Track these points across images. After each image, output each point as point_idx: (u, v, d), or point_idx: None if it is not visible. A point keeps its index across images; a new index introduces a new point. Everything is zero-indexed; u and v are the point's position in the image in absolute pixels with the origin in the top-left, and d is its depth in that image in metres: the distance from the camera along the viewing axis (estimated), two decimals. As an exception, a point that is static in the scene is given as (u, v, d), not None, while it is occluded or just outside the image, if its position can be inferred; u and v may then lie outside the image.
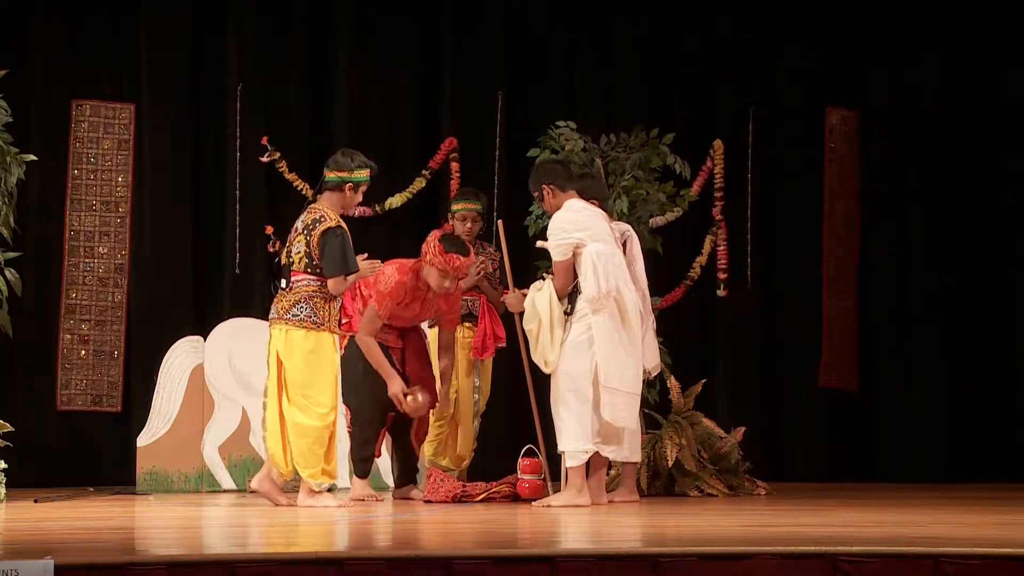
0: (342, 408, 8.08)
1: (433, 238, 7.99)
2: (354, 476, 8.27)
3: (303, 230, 7.66)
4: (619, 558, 5.17)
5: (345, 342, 8.13)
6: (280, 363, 7.61)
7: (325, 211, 7.67)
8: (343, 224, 7.66)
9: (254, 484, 7.83)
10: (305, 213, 7.74)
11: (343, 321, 7.75)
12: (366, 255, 7.92)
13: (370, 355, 8.02)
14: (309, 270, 7.62)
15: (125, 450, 9.54)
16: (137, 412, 9.62)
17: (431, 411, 8.37)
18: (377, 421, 8.16)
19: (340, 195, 7.75)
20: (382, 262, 8.02)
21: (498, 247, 8.52)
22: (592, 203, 8.00)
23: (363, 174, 7.76)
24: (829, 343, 10.62)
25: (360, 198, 7.83)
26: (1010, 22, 10.64)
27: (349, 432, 8.24)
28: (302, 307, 7.60)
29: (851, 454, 10.59)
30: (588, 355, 7.65)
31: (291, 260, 7.67)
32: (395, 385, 7.96)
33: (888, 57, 10.76)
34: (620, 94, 10.44)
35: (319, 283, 7.61)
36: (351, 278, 7.65)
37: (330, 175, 7.74)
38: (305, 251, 7.61)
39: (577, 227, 7.71)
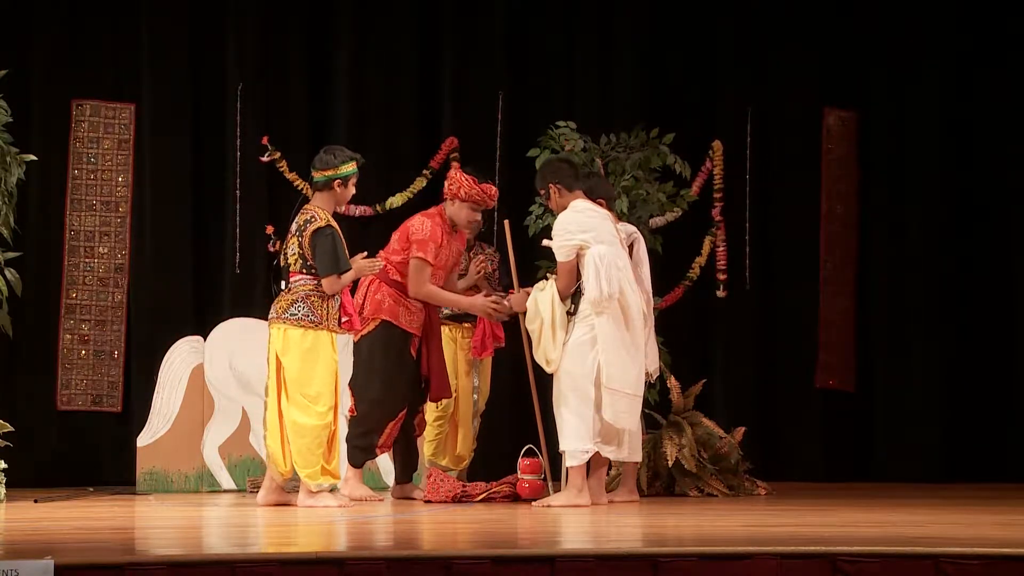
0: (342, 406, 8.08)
1: (459, 173, 8.11)
2: (349, 467, 8.23)
3: (296, 231, 7.69)
4: (619, 558, 5.17)
5: (368, 328, 8.12)
6: (279, 362, 7.63)
7: (316, 211, 7.70)
8: (333, 223, 7.69)
9: (260, 501, 7.81)
10: (299, 214, 7.77)
11: (343, 320, 7.75)
12: (365, 253, 7.94)
13: (439, 299, 8.15)
14: (304, 270, 7.65)
15: (125, 450, 9.54)
16: (137, 412, 9.62)
17: (431, 406, 8.44)
18: (390, 413, 8.13)
19: (331, 193, 7.78)
20: (383, 262, 8.05)
21: (501, 246, 8.52)
22: (599, 203, 8.01)
23: (349, 167, 7.79)
24: (827, 343, 10.61)
25: (352, 191, 7.86)
26: (1009, 23, 10.64)
27: (351, 418, 8.20)
28: (299, 306, 7.62)
29: (850, 454, 10.58)
30: (590, 356, 7.66)
31: (288, 261, 7.71)
32: (479, 300, 8.18)
33: (886, 58, 10.75)
34: (620, 94, 10.44)
35: (315, 282, 7.64)
36: (345, 277, 7.66)
37: (317, 176, 7.79)
38: (299, 252, 7.65)
39: (581, 228, 7.71)
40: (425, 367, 8.16)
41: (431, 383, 8.17)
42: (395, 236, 8.23)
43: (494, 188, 8.21)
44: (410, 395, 8.17)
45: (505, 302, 8.21)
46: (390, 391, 8.09)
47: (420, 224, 8.13)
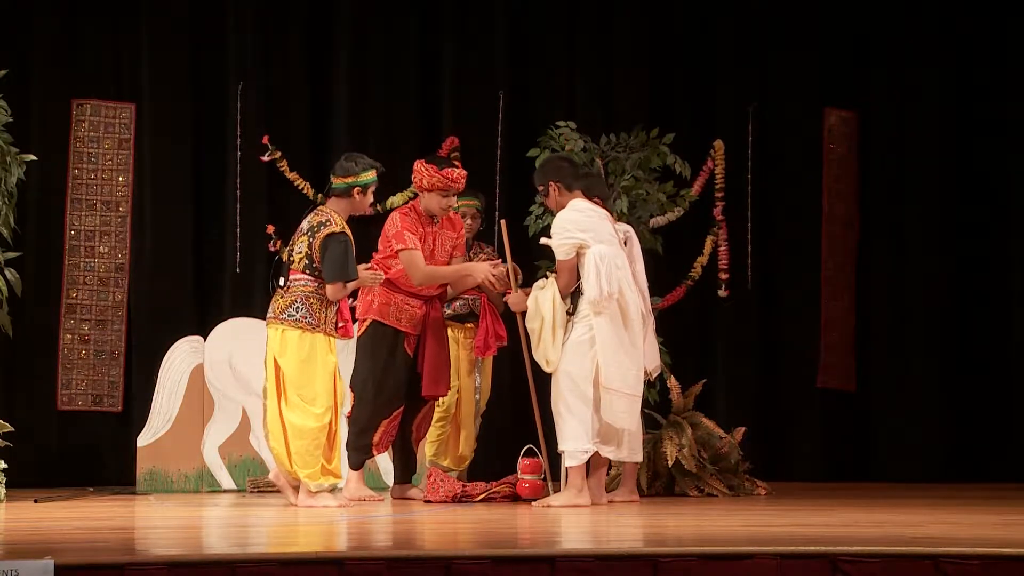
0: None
1: (419, 164, 8.09)
2: (349, 470, 8.23)
3: (308, 231, 7.65)
4: (619, 558, 5.17)
5: (361, 328, 8.12)
6: (276, 364, 7.62)
7: (332, 215, 7.67)
8: (348, 231, 7.66)
9: (272, 476, 7.88)
10: (312, 214, 7.73)
11: (339, 325, 7.74)
12: (374, 265, 7.93)
13: (441, 275, 8.10)
14: (308, 271, 7.62)
15: (125, 450, 9.55)
16: (137, 412, 9.62)
17: (436, 403, 8.42)
18: (382, 412, 8.13)
19: (348, 200, 7.76)
20: (384, 274, 8.04)
21: (500, 246, 8.52)
22: (596, 202, 8.01)
23: (369, 176, 7.78)
24: (827, 343, 10.61)
25: (371, 199, 7.86)
26: (1010, 22, 10.64)
27: (348, 418, 8.20)
28: (298, 307, 7.60)
29: (850, 454, 10.59)
30: (589, 355, 7.65)
31: (291, 259, 7.68)
32: (479, 270, 8.09)
33: (887, 58, 10.76)
34: (620, 94, 10.44)
35: (316, 284, 7.61)
36: (350, 286, 7.65)
37: (337, 182, 7.76)
38: (306, 252, 7.61)
39: (580, 227, 7.71)
40: (420, 365, 8.15)
41: (422, 379, 8.15)
42: (380, 239, 8.25)
43: (456, 172, 8.09)
44: (403, 394, 8.15)
45: (505, 298, 8.18)
46: (379, 390, 8.09)
47: (391, 222, 8.16)
